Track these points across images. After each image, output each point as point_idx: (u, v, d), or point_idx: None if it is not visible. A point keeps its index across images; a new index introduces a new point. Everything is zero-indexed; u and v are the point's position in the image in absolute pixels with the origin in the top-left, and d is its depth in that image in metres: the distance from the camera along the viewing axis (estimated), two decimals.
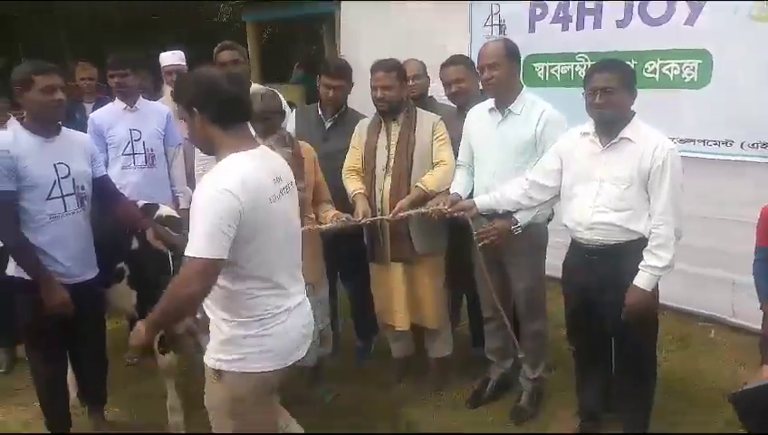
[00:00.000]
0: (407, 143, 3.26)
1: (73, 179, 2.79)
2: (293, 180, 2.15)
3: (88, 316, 2.94)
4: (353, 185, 3.31)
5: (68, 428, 3.03)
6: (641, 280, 2.59)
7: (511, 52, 3.02)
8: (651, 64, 4.08)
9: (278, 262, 2.02)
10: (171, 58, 4.51)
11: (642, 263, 2.59)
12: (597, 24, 4.35)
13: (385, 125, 3.33)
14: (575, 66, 4.47)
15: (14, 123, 3.34)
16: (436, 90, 3.82)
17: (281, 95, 3.96)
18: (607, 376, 2.97)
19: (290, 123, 3.64)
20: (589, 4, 4.38)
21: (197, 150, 3.93)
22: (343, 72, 3.60)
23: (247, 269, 1.94)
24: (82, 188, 2.84)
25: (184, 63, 4.51)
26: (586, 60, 4.35)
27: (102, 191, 2.97)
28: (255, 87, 3.33)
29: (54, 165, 2.72)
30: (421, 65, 3.78)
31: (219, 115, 1.93)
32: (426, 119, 3.33)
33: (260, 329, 1.98)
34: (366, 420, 3.29)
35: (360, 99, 3.61)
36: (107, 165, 3.55)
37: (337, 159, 3.42)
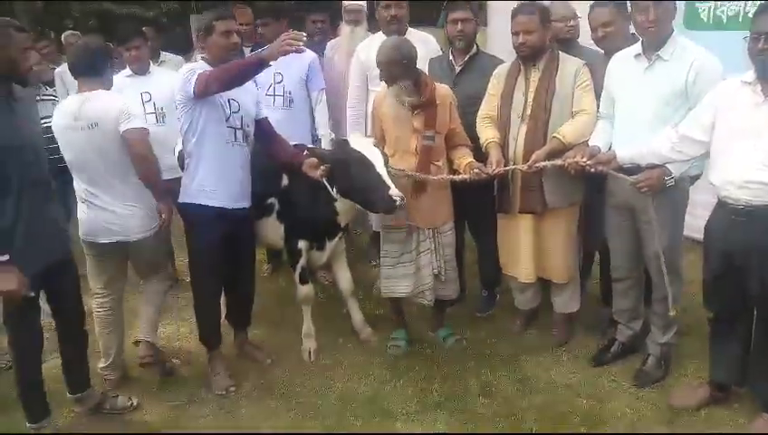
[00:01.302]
0: (546, 90, 3.14)
1: (242, 117, 3.10)
2: (97, 123, 2.92)
3: (241, 242, 3.27)
4: (487, 133, 3.25)
5: (218, 343, 3.37)
6: None
7: None
8: None
9: (87, 171, 3.02)
10: None
11: None
12: None
13: (524, 70, 3.22)
14: (746, 6, 3.99)
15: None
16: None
17: (432, 40, 4.03)
18: (744, 348, 2.77)
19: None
20: None
21: (349, 98, 4.13)
22: (467, 5, 3.54)
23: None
24: (248, 125, 3.14)
25: (364, 4, 4.49)
26: None
27: (262, 131, 3.25)
28: (393, 38, 3.34)
29: (228, 100, 3.03)
30: (570, 7, 3.56)
31: (76, 68, 3.06)
32: (569, 64, 3.17)
33: (79, 206, 3.11)
34: (484, 367, 3.34)
35: (506, 44, 3.41)
36: None
37: (466, 104, 3.38)
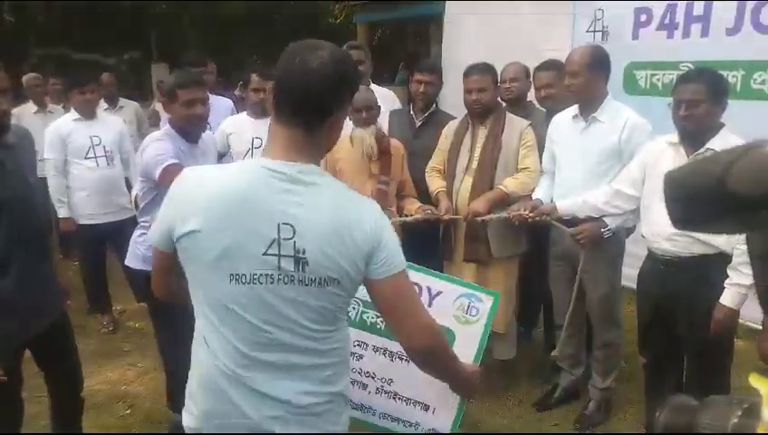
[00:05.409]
0: (492, 147, 3.28)
1: None
2: None
3: None
4: (435, 183, 3.40)
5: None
6: (727, 297, 2.50)
7: (595, 60, 2.98)
8: (760, 75, 3.87)
9: None
10: None
11: (728, 280, 2.51)
12: (704, 32, 4.20)
13: (472, 128, 3.37)
14: (678, 75, 4.29)
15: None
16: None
17: (394, 97, 4.21)
18: (677, 392, 2.89)
19: (384, 124, 3.78)
20: (697, 10, 4.23)
21: None
22: (434, 69, 3.74)
23: None
24: None
25: None
26: (690, 69, 4.18)
27: None
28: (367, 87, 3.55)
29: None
30: (523, 69, 3.78)
31: None
32: (515, 124, 3.34)
33: None
34: None
35: (459, 100, 3.54)
36: None
37: (425, 156, 3.53)
